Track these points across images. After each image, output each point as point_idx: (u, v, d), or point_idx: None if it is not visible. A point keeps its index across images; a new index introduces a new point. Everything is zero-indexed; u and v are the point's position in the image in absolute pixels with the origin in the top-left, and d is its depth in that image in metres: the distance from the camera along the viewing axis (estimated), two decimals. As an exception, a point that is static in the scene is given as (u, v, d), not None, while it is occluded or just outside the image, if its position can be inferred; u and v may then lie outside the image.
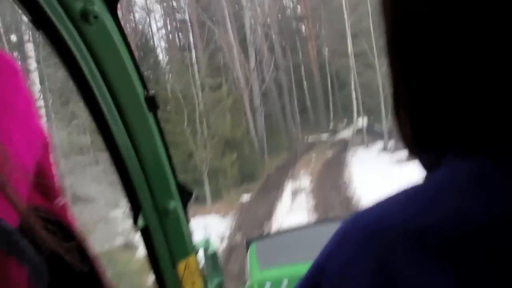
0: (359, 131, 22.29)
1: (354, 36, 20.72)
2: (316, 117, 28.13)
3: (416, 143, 0.40)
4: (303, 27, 28.90)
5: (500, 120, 0.33)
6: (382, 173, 12.80)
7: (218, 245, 11.12)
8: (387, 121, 18.73)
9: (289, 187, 15.79)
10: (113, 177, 0.83)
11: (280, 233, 4.37)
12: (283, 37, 25.26)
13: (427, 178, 0.37)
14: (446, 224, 0.32)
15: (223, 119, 17.61)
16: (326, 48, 28.43)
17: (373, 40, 18.83)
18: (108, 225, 10.74)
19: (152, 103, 0.84)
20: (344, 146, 21.59)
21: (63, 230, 0.37)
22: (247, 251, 4.15)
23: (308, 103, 28.28)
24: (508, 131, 0.33)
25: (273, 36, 23.44)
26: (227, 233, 12.88)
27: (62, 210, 0.42)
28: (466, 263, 0.31)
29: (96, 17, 0.81)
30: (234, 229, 13.10)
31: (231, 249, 11.55)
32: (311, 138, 25.23)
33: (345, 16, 20.80)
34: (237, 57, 19.78)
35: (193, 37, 21.27)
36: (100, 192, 10.68)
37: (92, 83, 0.83)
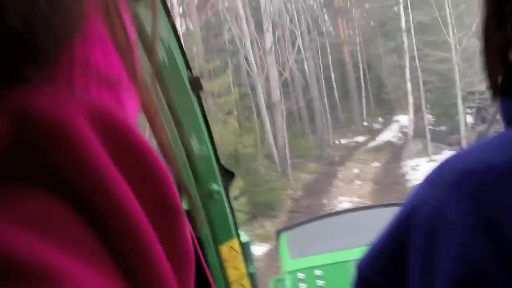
0: (404, 132, 22.29)
1: (406, 7, 20.94)
2: (348, 114, 28.92)
3: (508, 88, 0.49)
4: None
5: None
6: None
7: None
8: (466, 123, 18.48)
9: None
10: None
11: (311, 220, 5.19)
12: (306, 10, 25.84)
13: None
14: None
15: (224, 122, 16.32)
16: (356, 23, 29.54)
17: (447, 7, 18.40)
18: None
19: (196, 84, 1.19)
20: (393, 154, 21.37)
21: None
22: (277, 241, 4.91)
23: (336, 96, 29.12)
24: None
25: (293, 6, 23.76)
26: None
27: None
28: None
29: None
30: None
31: None
32: (343, 141, 25.42)
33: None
34: (247, 32, 19.21)
35: (182, 4, 21.54)
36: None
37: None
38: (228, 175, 1.24)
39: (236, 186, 13.59)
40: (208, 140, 1.23)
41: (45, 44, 0.26)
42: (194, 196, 1.20)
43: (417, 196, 0.48)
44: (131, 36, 0.33)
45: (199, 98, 1.22)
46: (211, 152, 1.23)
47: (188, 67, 1.21)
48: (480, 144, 0.48)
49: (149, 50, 0.38)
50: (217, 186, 1.22)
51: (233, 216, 1.24)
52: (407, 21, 21.31)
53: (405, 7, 21.34)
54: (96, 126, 0.27)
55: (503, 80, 0.50)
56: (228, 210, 1.24)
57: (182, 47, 1.20)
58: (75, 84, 0.29)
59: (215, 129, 15.46)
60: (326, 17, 31.23)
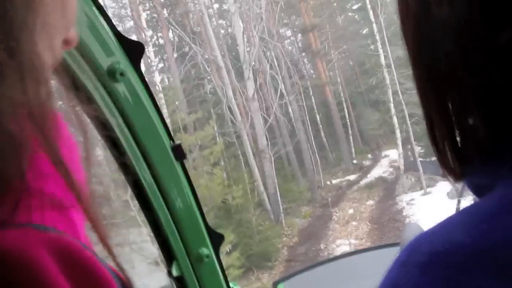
0: (395, 167, 22.43)
1: (383, 43, 21.83)
2: (337, 153, 29.41)
3: (462, 167, 0.50)
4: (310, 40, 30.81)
5: None
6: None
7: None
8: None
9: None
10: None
11: (309, 268, 5.14)
12: (286, 55, 26.64)
13: (482, 200, 0.47)
14: None
15: (211, 173, 15.96)
16: (336, 64, 30.72)
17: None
18: None
19: (179, 152, 1.25)
20: (387, 190, 21.43)
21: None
22: None
23: (323, 137, 29.66)
24: None
25: (272, 53, 24.44)
26: None
27: None
28: None
29: (122, 74, 1.26)
30: None
31: None
32: (335, 181, 25.57)
33: (372, 17, 21.98)
34: (228, 81, 19.67)
35: (164, 59, 21.95)
36: None
37: (120, 136, 1.25)
38: (216, 238, 1.28)
39: (228, 240, 13.50)
40: (195, 206, 1.28)
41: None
42: (184, 262, 1.24)
43: (390, 279, 0.49)
44: (68, 161, 0.42)
45: (182, 165, 1.28)
46: (199, 217, 1.27)
47: (170, 136, 1.27)
48: (448, 221, 0.49)
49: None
50: (207, 250, 1.26)
51: (224, 279, 1.28)
52: (386, 57, 21.99)
53: (383, 44, 22.05)
54: (54, 256, 0.36)
55: (457, 161, 0.51)
56: (218, 273, 1.27)
57: (162, 116, 1.27)
58: (33, 218, 0.37)
59: (202, 182, 14.87)
60: (305, 60, 32.07)
